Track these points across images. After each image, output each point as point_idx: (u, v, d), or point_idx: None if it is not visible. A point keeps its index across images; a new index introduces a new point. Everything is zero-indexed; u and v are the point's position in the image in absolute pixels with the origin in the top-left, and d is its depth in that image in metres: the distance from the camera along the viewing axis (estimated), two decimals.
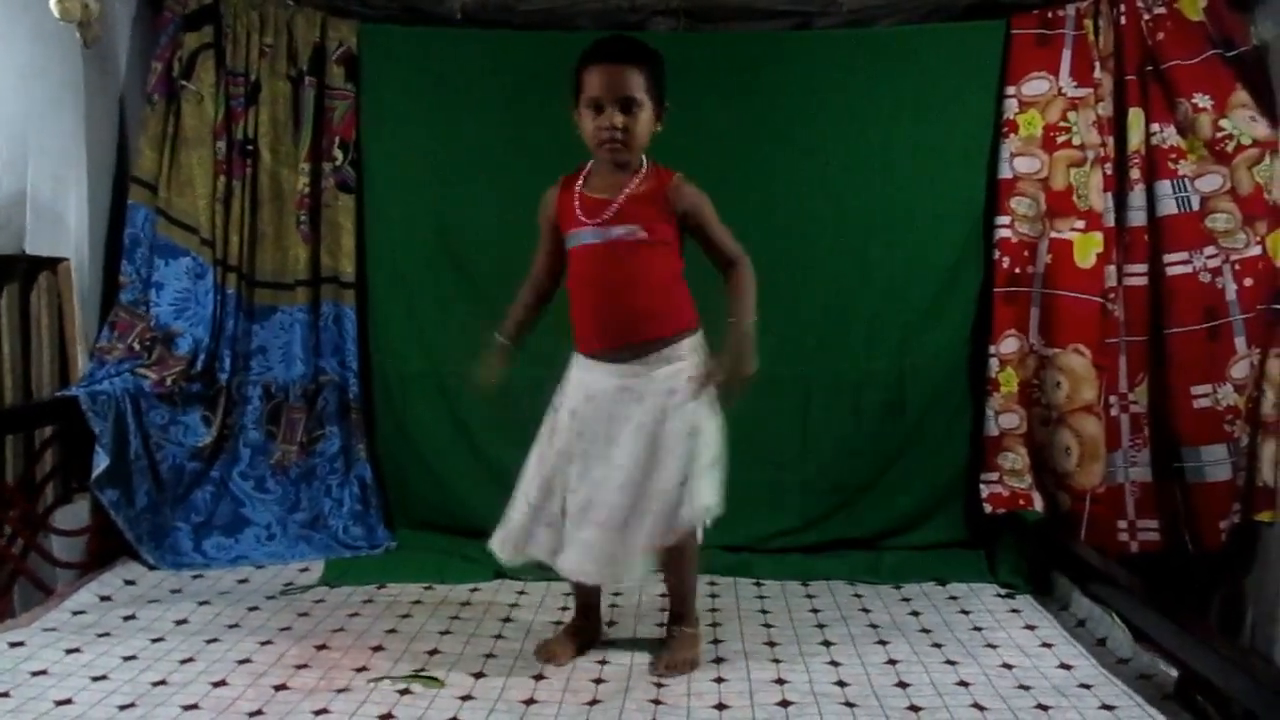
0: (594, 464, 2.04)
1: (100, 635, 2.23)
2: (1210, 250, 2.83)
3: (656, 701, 1.94)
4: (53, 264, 2.77)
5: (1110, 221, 2.91)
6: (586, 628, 2.25)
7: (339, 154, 3.09)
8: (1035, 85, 2.97)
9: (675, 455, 2.00)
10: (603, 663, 2.15)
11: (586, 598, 2.26)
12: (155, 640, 2.21)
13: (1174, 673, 2.02)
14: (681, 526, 2.02)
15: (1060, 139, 2.95)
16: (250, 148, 3.06)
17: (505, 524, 2.15)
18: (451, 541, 2.97)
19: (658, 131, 2.08)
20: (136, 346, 2.90)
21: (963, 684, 2.04)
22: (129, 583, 2.63)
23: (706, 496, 2.03)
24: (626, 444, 2.02)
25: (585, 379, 2.11)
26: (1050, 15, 2.97)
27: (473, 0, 3.10)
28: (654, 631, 2.33)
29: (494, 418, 3.08)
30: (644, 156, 2.10)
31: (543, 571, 2.77)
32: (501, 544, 2.15)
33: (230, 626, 2.33)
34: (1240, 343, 2.80)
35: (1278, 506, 2.72)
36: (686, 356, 2.07)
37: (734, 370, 2.04)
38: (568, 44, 3.16)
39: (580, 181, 2.10)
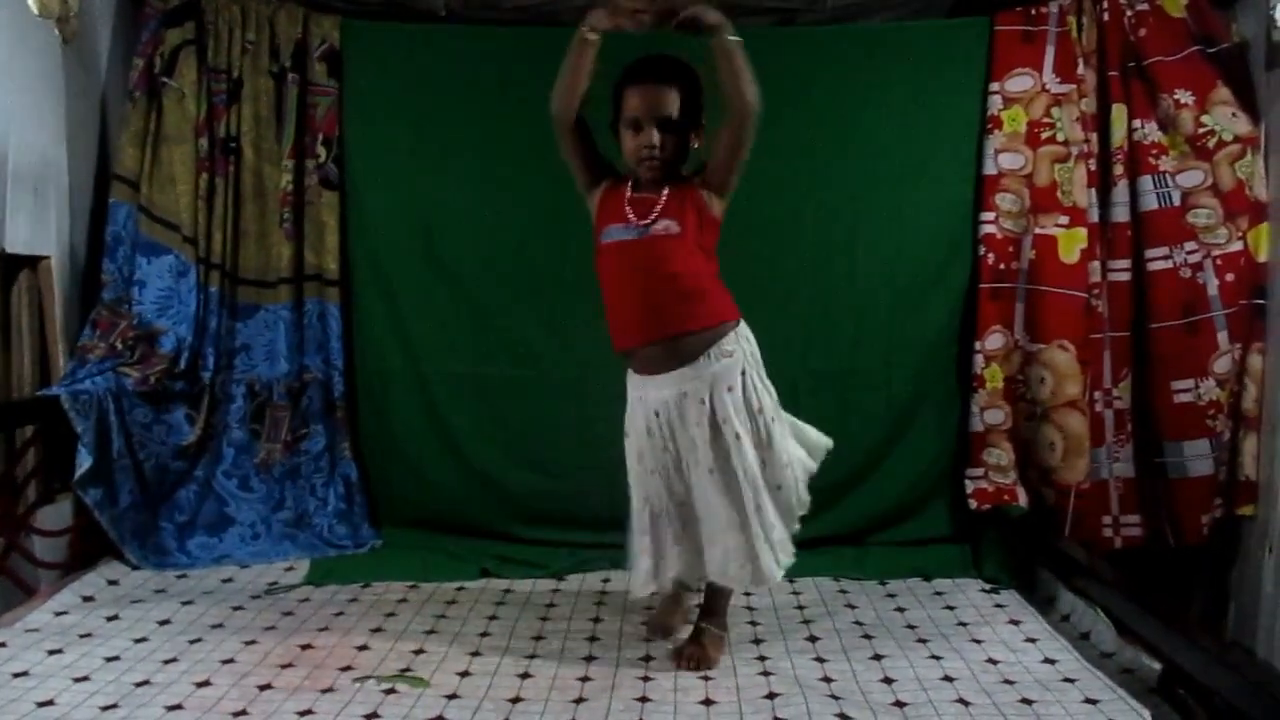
0: (691, 471, 2.09)
1: (83, 636, 2.21)
2: (1192, 246, 2.84)
3: (643, 699, 1.94)
4: (33, 262, 2.74)
5: (1094, 217, 2.92)
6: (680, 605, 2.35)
7: (322, 150, 3.07)
8: (1019, 81, 2.98)
9: (750, 448, 2.07)
10: (589, 659, 2.15)
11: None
12: (138, 640, 2.20)
13: (1157, 666, 2.03)
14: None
15: (1044, 135, 2.95)
16: (233, 145, 3.05)
17: (636, 565, 2.20)
18: (436, 539, 2.98)
19: (696, 149, 2.12)
20: (119, 345, 2.87)
21: (948, 679, 2.05)
22: (112, 583, 2.62)
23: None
24: (707, 448, 2.06)
25: (646, 396, 2.13)
26: (1034, 12, 2.98)
27: None
28: (639, 630, 2.34)
29: (476, 416, 3.09)
30: (683, 170, 2.14)
31: (527, 569, 2.80)
32: (644, 586, 2.20)
33: (214, 626, 2.32)
34: (1222, 338, 2.82)
35: (1259, 501, 2.74)
36: (733, 350, 2.10)
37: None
38: (551, 39, 3.14)
39: (628, 189, 2.13)
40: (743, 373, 2.08)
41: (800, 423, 2.27)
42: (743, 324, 2.15)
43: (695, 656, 2.11)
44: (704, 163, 2.12)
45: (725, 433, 2.05)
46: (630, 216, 2.08)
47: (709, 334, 2.08)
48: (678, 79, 2.07)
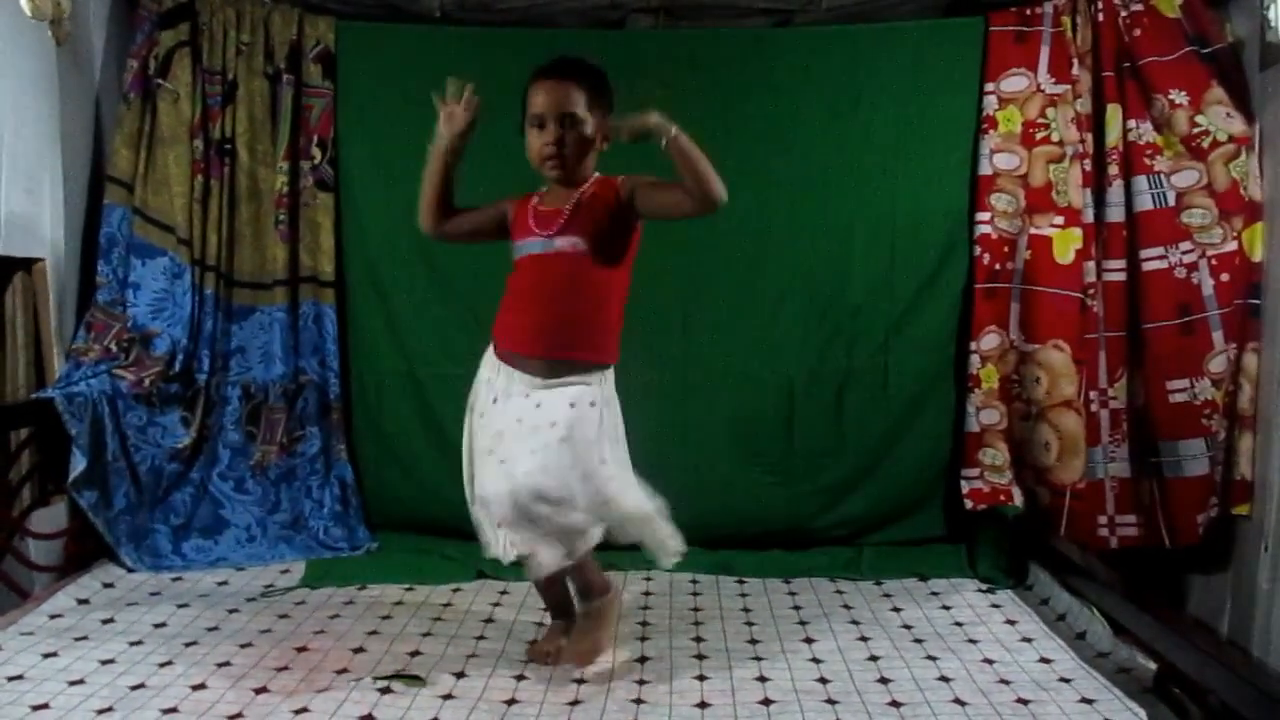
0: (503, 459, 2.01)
1: (78, 639, 2.21)
2: (1186, 245, 2.84)
3: (638, 701, 1.94)
4: (28, 264, 2.74)
5: (1089, 217, 2.93)
6: (569, 625, 2.24)
7: (317, 152, 3.07)
8: (1014, 82, 2.98)
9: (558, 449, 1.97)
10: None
11: (556, 599, 2.25)
12: (134, 643, 2.20)
13: (1153, 666, 2.04)
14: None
15: (1039, 135, 2.96)
16: (228, 146, 3.04)
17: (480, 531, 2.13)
18: (432, 541, 2.97)
19: (604, 150, 2.09)
20: (113, 347, 2.87)
21: (944, 679, 2.05)
22: (107, 585, 2.61)
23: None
24: (523, 439, 1.98)
25: (496, 382, 2.08)
26: (1028, 12, 2.98)
27: None
28: (634, 629, 2.33)
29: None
30: (594, 174, 2.10)
31: (523, 570, 2.79)
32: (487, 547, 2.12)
33: (210, 629, 2.31)
34: (1217, 337, 2.82)
35: (1254, 500, 2.74)
36: (593, 382, 2.05)
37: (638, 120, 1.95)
38: (547, 41, 3.16)
39: (537, 198, 2.12)
40: (591, 403, 2.02)
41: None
42: (612, 370, 2.10)
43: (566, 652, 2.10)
44: (642, 183, 2.03)
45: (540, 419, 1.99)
46: (533, 226, 2.05)
47: (586, 366, 2.05)
48: (583, 76, 2.04)
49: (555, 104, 2.02)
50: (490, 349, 2.15)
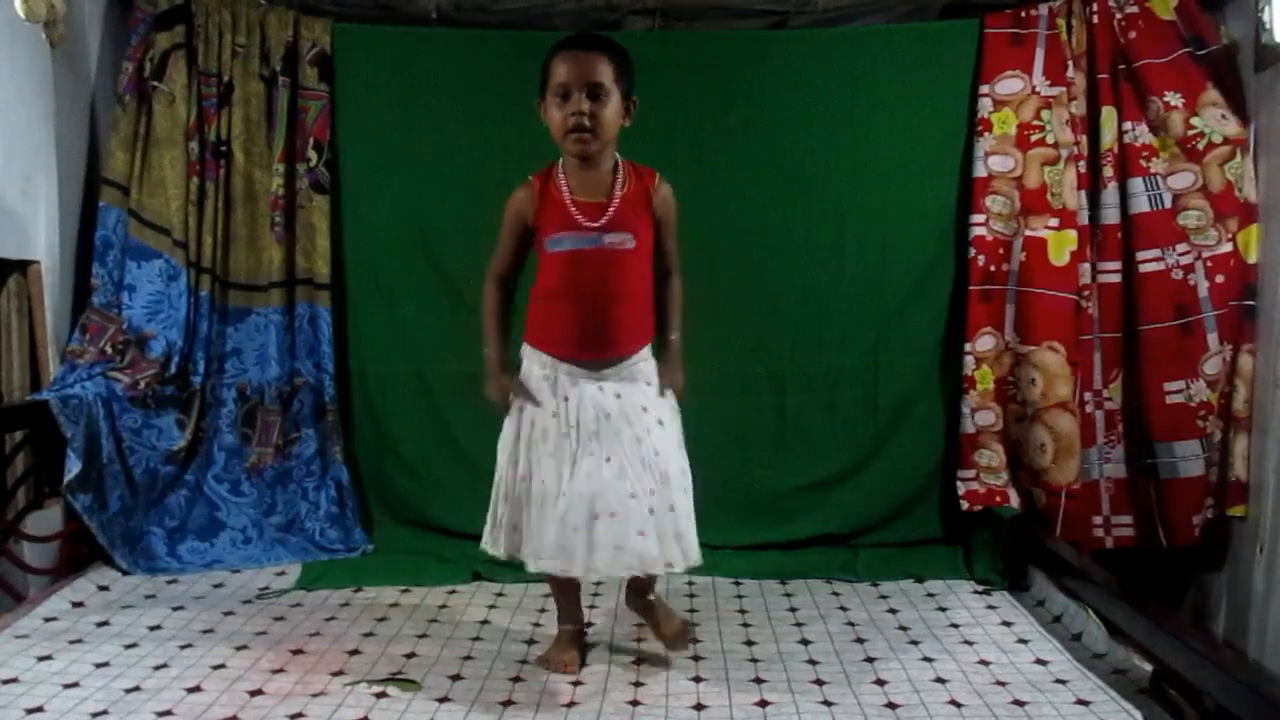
0: (587, 460, 1.98)
1: (73, 642, 2.20)
2: (1182, 247, 2.85)
3: (634, 703, 1.94)
4: (23, 266, 2.73)
5: (1084, 219, 2.93)
6: (580, 631, 2.23)
7: (313, 154, 3.06)
8: (1009, 84, 2.98)
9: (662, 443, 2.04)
10: (580, 664, 2.15)
11: (571, 604, 2.22)
12: (129, 646, 2.19)
13: (1148, 667, 2.04)
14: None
15: (1034, 137, 2.96)
16: (223, 149, 3.04)
17: (495, 524, 2.14)
18: (429, 543, 2.97)
19: (625, 126, 2.06)
20: (109, 350, 2.87)
21: (940, 680, 2.05)
22: (102, 588, 2.61)
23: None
24: (618, 438, 1.99)
25: (559, 379, 2.06)
26: (1023, 15, 2.99)
27: None
28: (631, 631, 2.33)
29: (473, 414, 3.08)
30: (616, 155, 2.09)
31: (520, 572, 2.79)
32: (494, 542, 2.14)
33: (205, 632, 2.31)
34: (1212, 339, 2.83)
35: (1250, 501, 2.74)
36: (647, 358, 2.11)
37: (678, 381, 2.14)
38: (543, 43, 3.12)
39: (563, 183, 2.05)
40: (648, 381, 2.10)
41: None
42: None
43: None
44: (668, 223, 2.12)
45: (645, 420, 2.03)
46: (578, 219, 2.01)
47: (637, 353, 2.08)
48: (608, 49, 2.01)
49: (581, 73, 1.96)
50: (532, 347, 2.11)
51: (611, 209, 2.01)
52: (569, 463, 2.00)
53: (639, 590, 2.19)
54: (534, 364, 2.11)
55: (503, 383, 2.13)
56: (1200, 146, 2.82)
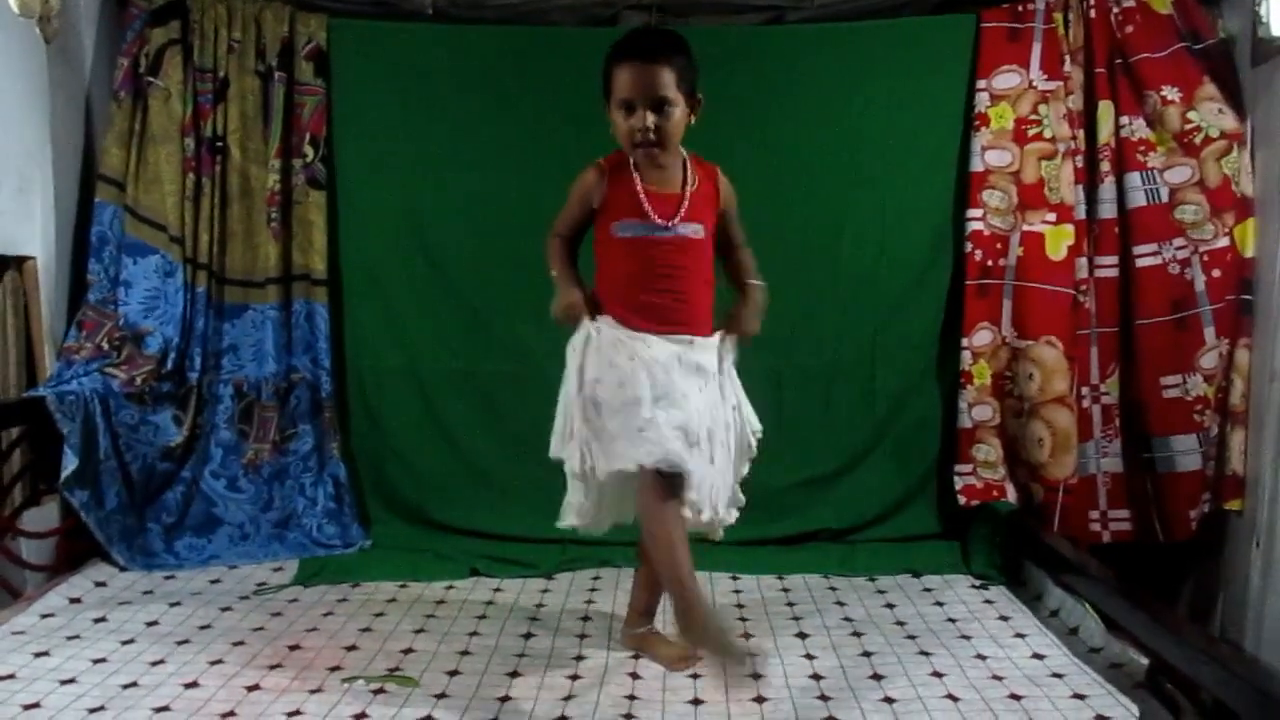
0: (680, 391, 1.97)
1: (70, 638, 2.20)
2: (1179, 242, 2.85)
3: (632, 697, 1.94)
4: (19, 262, 2.73)
5: (1081, 214, 2.93)
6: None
7: (309, 150, 3.06)
8: (1006, 79, 2.98)
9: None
10: (578, 658, 2.15)
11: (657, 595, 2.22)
12: (126, 642, 2.19)
13: (1145, 661, 2.03)
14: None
15: (1031, 132, 2.96)
16: (219, 144, 3.03)
17: (576, 501, 2.08)
18: (426, 539, 2.97)
19: (691, 124, 2.07)
20: (105, 346, 2.86)
21: (937, 675, 2.05)
22: (99, 585, 2.61)
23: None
24: (704, 398, 2.02)
25: (635, 343, 2.00)
26: (1020, 9, 2.99)
27: None
28: None
29: (469, 411, 3.09)
30: (683, 151, 2.09)
31: (517, 568, 2.79)
32: (580, 517, 2.07)
33: (202, 628, 2.31)
34: (1209, 333, 2.83)
35: (1246, 495, 2.75)
36: (714, 348, 2.12)
37: (754, 324, 2.15)
38: (540, 38, 3.15)
39: (635, 176, 2.04)
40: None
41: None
42: None
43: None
44: (733, 216, 2.17)
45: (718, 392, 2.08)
46: (650, 211, 2.02)
47: (713, 338, 2.11)
48: (668, 56, 1.99)
49: (644, 88, 1.97)
50: (600, 319, 2.05)
51: (685, 205, 2.05)
52: (658, 385, 1.95)
53: (644, 610, 2.24)
54: (603, 329, 2.05)
55: (576, 295, 2.06)
56: (1197, 141, 2.82)
